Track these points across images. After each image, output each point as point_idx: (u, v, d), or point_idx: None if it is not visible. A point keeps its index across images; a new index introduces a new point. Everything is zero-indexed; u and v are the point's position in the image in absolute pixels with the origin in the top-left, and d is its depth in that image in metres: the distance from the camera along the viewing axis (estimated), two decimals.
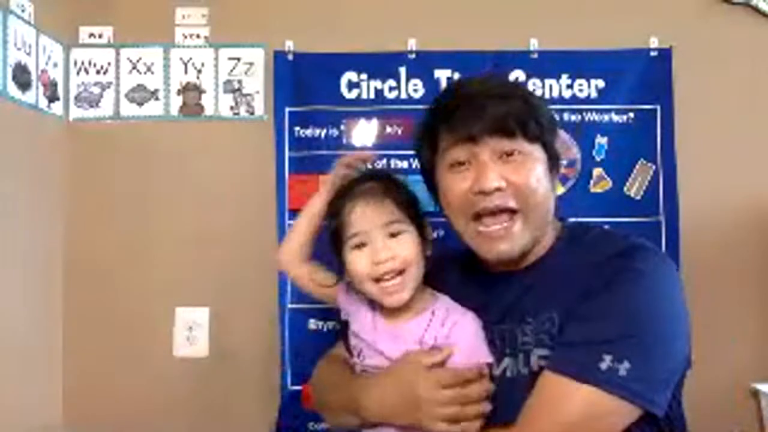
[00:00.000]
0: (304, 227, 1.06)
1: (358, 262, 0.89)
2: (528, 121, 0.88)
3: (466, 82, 0.99)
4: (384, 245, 0.88)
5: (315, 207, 1.05)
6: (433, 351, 0.86)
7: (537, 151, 0.89)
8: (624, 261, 0.83)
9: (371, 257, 0.88)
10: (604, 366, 0.76)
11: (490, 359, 0.87)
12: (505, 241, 0.87)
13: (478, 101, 0.88)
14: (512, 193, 0.86)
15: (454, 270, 1.01)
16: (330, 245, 0.94)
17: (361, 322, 0.94)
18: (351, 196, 0.91)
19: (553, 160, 0.92)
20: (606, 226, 1.45)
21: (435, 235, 1.44)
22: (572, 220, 0.99)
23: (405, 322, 0.90)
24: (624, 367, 0.76)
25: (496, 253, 0.88)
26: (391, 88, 1.51)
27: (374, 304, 0.93)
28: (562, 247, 0.92)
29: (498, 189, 0.86)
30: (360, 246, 0.89)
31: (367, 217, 0.89)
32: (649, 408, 0.77)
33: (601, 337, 0.78)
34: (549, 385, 0.80)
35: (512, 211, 0.86)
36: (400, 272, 0.88)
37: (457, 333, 0.87)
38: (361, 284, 0.90)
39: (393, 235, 0.89)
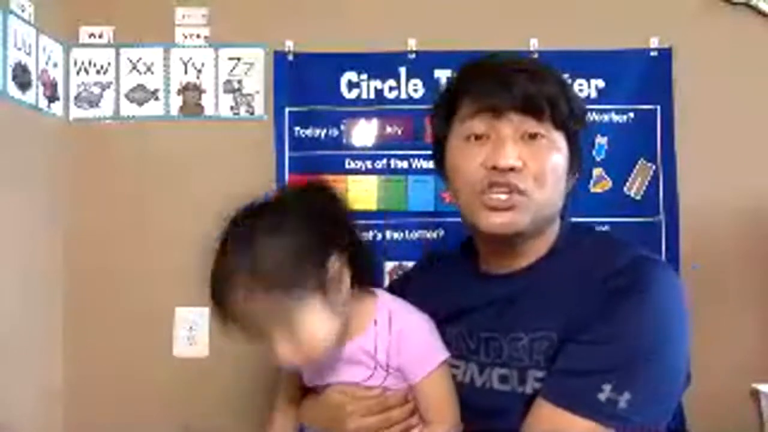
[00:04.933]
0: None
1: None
2: (559, 104, 0.81)
3: (496, 55, 0.89)
4: (279, 345, 0.78)
5: None
6: (363, 388, 0.86)
7: (561, 141, 0.83)
8: (627, 279, 0.77)
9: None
10: (602, 397, 0.71)
11: (442, 357, 0.85)
12: (506, 212, 0.80)
13: (507, 73, 0.81)
14: (526, 176, 0.80)
15: (444, 270, 0.97)
16: None
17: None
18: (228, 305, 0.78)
19: (574, 156, 0.86)
20: (606, 227, 1.46)
21: (435, 234, 1.47)
22: (572, 219, 0.95)
23: (351, 341, 0.85)
24: (624, 399, 0.71)
25: (496, 224, 0.81)
26: (391, 88, 1.51)
27: None
28: (560, 250, 0.87)
29: (513, 169, 0.79)
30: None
31: (245, 320, 0.79)
32: None
33: (601, 365, 0.73)
34: (544, 416, 0.75)
35: (520, 192, 0.80)
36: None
37: (405, 341, 0.84)
38: None
39: (287, 321, 0.76)
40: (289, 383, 0.99)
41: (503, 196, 0.80)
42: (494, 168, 0.79)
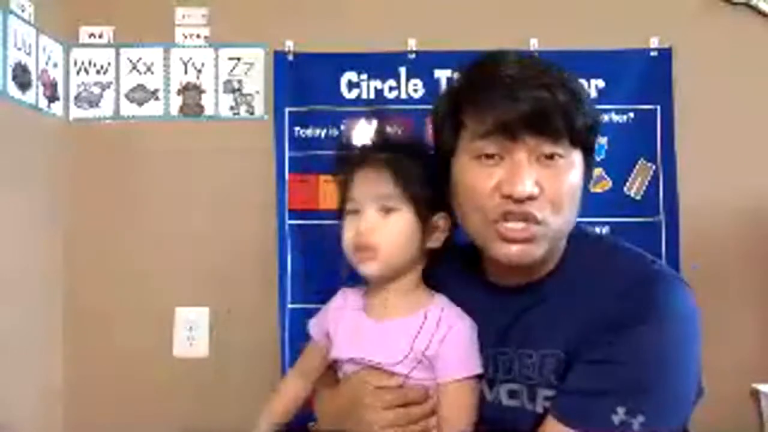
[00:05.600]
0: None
1: (347, 228, 0.86)
2: (575, 119, 0.74)
3: (501, 58, 0.79)
4: (369, 218, 0.83)
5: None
6: (385, 375, 0.84)
7: (577, 157, 0.77)
8: (641, 296, 0.74)
9: (357, 226, 0.84)
10: (617, 420, 0.70)
11: (478, 371, 0.83)
12: (524, 243, 0.76)
13: (516, 85, 0.74)
14: (543, 203, 0.74)
15: (452, 270, 0.93)
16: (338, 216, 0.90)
17: (344, 334, 0.89)
18: (356, 162, 0.86)
19: (588, 168, 0.80)
20: (606, 227, 1.46)
21: None
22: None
23: (392, 320, 0.86)
24: (638, 422, 0.69)
25: (512, 255, 0.76)
26: (391, 88, 1.52)
27: (361, 305, 0.90)
28: (569, 260, 0.83)
29: (530, 197, 0.73)
30: (354, 212, 0.86)
31: (363, 187, 0.85)
32: None
33: (614, 385, 0.71)
34: None
35: (537, 222, 0.75)
36: (376, 249, 0.84)
37: (450, 339, 0.83)
38: (347, 254, 0.87)
39: (387, 211, 0.83)
40: (306, 358, 0.98)
41: (520, 225, 0.75)
42: (509, 196, 0.74)
